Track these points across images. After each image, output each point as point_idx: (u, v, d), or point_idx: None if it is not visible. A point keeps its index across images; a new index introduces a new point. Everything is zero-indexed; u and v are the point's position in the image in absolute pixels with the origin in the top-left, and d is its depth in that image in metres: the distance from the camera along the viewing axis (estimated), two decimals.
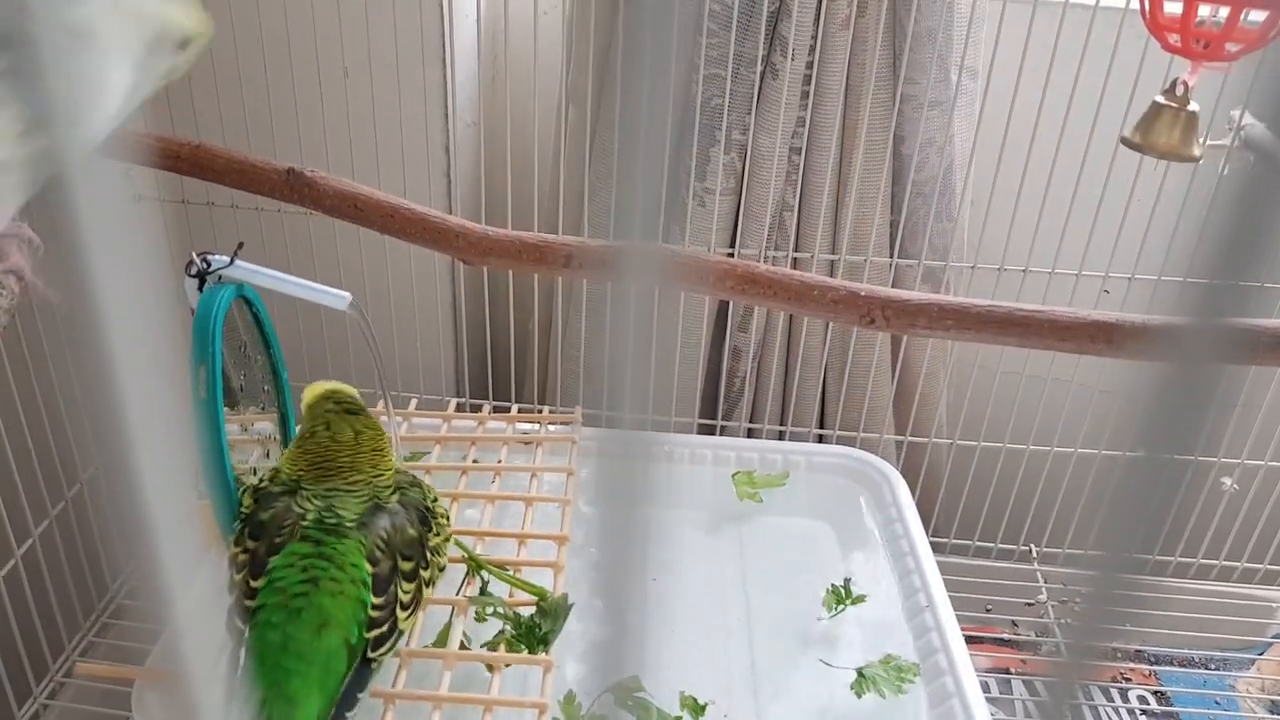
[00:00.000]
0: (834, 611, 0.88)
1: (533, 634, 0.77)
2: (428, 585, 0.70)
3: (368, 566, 0.66)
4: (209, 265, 0.70)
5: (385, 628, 0.65)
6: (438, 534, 0.73)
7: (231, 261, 0.73)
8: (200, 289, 0.71)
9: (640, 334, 0.15)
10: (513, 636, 0.77)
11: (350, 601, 0.65)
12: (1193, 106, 0.79)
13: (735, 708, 0.83)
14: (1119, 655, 1.11)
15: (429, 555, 0.71)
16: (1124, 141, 0.80)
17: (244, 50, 0.98)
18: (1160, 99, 0.79)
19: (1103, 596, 0.16)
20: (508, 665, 0.73)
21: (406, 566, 0.68)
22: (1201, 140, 0.81)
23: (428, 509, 0.73)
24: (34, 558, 0.92)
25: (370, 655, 0.64)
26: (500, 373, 1.26)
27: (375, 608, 0.65)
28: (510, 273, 1.17)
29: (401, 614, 0.67)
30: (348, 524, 0.67)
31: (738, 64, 1.04)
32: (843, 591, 0.88)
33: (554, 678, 0.73)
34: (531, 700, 0.71)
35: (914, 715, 0.80)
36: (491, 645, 0.75)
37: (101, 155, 0.15)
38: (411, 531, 0.70)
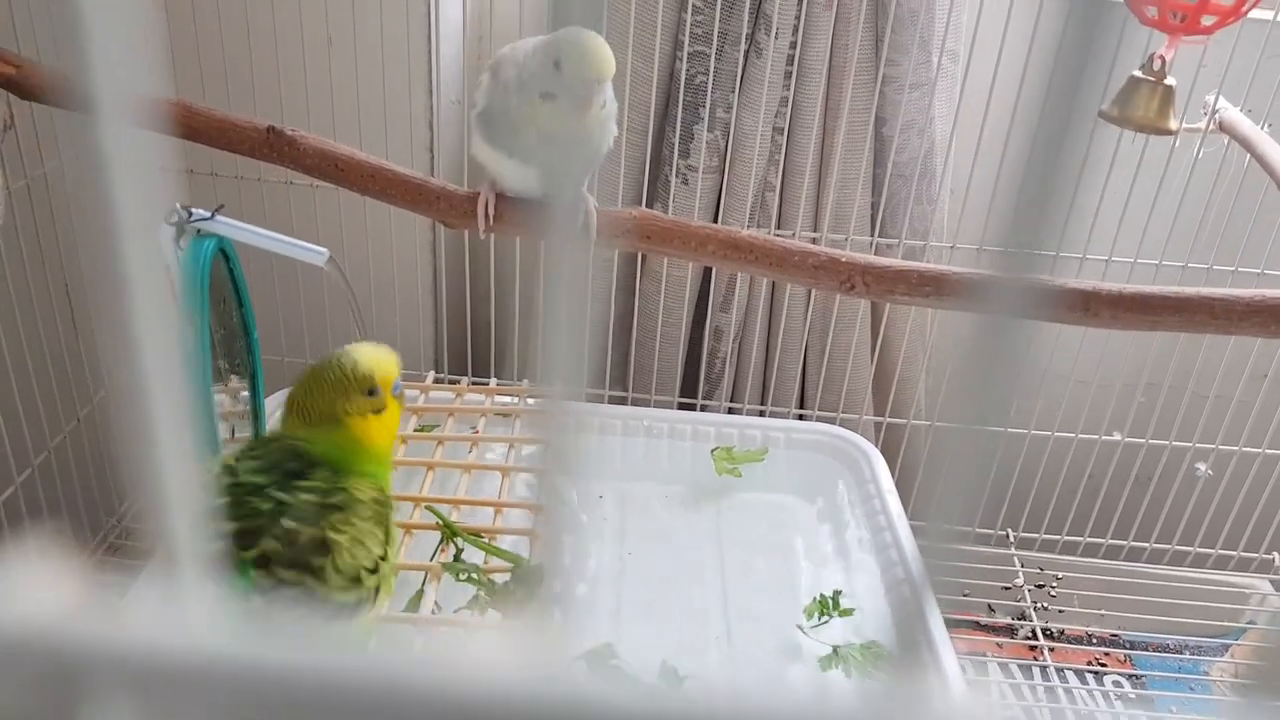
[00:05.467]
0: (814, 621, 0.86)
1: (507, 600, 0.76)
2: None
3: None
4: (190, 216, 0.69)
5: None
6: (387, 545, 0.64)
7: (212, 217, 0.73)
8: (177, 241, 0.70)
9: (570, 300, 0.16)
10: (487, 602, 0.76)
11: None
12: (1169, 80, 0.79)
13: (711, 680, 0.82)
14: (1094, 640, 1.11)
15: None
16: (1102, 115, 0.80)
17: (225, 10, 0.98)
18: (1138, 73, 0.80)
19: (933, 566, 0.16)
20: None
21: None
22: (1178, 115, 0.82)
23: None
24: (49, 471, 0.93)
25: None
26: (480, 348, 1.25)
27: None
28: (492, 246, 1.17)
29: None
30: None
31: (722, 41, 1.04)
32: (830, 603, 0.87)
33: None
34: None
35: None
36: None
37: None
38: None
